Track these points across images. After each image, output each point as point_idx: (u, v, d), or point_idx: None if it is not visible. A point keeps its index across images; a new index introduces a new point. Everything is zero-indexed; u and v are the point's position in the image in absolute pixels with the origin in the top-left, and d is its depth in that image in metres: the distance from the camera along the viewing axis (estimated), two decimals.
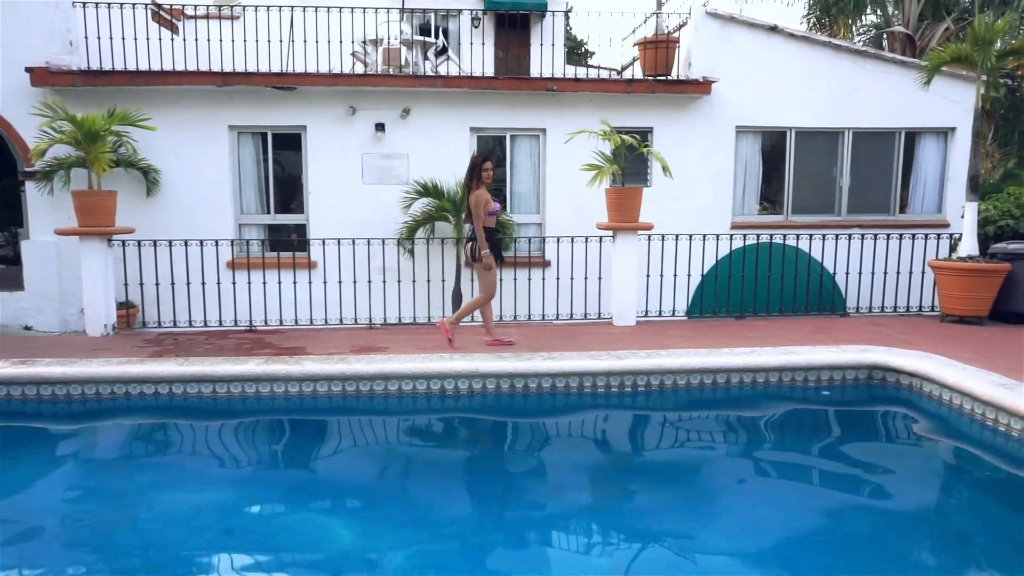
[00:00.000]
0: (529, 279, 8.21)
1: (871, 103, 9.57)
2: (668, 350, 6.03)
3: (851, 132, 9.69)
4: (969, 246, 7.76)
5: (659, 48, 9.34)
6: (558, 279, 8.19)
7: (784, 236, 9.19)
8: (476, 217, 5.99)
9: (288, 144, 9.20)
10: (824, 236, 8.92)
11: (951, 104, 9.66)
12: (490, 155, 6.79)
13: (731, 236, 8.80)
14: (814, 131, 9.72)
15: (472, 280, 8.09)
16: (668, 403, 5.54)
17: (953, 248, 8.21)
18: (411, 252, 8.55)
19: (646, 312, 8.23)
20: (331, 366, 5.42)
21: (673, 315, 8.41)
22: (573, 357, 5.65)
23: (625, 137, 7.23)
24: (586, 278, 8.17)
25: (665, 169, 7.27)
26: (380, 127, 8.97)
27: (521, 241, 8.91)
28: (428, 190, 8.56)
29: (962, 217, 8.12)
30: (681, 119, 9.43)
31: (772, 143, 9.86)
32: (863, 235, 8.61)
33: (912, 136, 9.90)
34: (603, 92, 9.13)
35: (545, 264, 8.72)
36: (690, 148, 9.41)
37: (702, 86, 9.16)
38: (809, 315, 8.52)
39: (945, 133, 9.86)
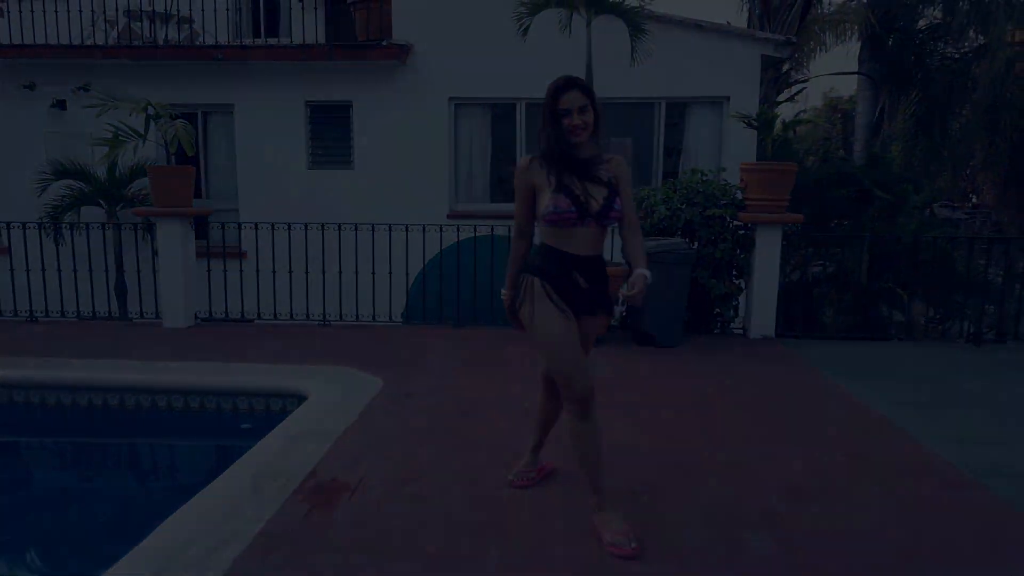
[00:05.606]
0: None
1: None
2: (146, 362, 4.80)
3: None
4: None
5: (364, 8, 8.03)
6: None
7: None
8: (519, 215, 2.64)
9: None
10: None
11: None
12: (574, 80, 2.54)
13: (443, 228, 6.35)
14: None
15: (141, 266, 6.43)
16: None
17: None
18: (56, 240, 7.88)
19: (356, 316, 6.62)
20: None
21: (390, 320, 6.64)
22: None
23: (159, 106, 6.09)
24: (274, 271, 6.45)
25: (188, 145, 5.95)
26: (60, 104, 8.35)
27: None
28: (68, 170, 7.82)
29: None
30: (384, 92, 8.09)
31: (502, 118, 8.29)
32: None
33: (679, 107, 8.01)
34: (289, 61, 7.97)
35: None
36: (397, 125, 8.08)
37: (391, 51, 7.78)
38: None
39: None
